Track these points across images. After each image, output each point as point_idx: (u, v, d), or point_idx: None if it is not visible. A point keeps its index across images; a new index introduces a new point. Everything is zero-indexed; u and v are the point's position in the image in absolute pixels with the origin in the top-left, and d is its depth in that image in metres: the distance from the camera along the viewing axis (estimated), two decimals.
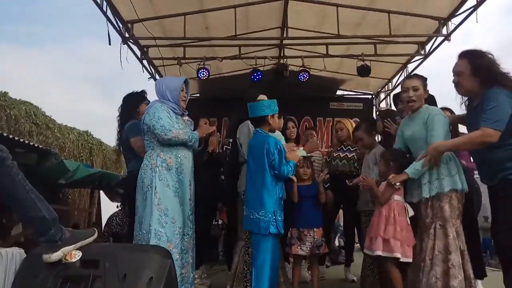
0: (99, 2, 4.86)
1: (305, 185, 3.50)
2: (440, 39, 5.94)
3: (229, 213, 4.44)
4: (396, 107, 3.80)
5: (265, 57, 6.39)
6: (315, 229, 3.39)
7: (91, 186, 8.33)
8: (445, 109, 3.38)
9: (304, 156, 3.34)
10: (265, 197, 2.78)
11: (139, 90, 3.83)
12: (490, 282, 3.24)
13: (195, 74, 6.26)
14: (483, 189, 2.92)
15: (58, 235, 1.85)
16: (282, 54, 6.73)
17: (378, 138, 4.18)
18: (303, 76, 6.50)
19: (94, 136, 10.39)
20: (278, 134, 3.23)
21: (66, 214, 8.64)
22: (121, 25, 5.48)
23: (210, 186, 4.02)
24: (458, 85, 2.67)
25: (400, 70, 7.34)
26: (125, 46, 5.62)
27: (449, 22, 5.69)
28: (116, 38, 5.51)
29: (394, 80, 7.71)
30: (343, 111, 7.65)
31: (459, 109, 2.90)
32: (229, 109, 5.56)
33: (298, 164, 3.19)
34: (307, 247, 3.37)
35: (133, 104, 3.71)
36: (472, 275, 2.59)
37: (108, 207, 8.82)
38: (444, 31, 5.78)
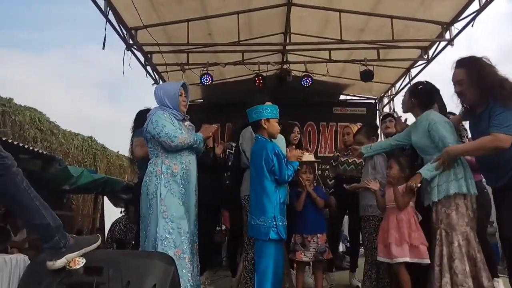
0: (103, 8, 4.90)
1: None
2: (443, 43, 5.94)
3: (231, 218, 4.44)
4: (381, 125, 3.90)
5: (268, 63, 6.43)
6: (318, 235, 3.38)
7: (95, 192, 8.33)
8: (450, 113, 3.39)
9: (309, 161, 3.33)
10: (265, 203, 2.78)
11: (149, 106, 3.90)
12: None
13: (198, 80, 6.30)
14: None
15: (62, 242, 1.86)
16: (285, 60, 6.76)
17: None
18: (306, 81, 6.51)
19: (98, 141, 10.42)
20: (280, 138, 3.22)
21: (70, 220, 8.64)
22: (125, 32, 5.52)
23: (211, 190, 4.02)
24: (462, 94, 2.65)
25: (403, 74, 7.34)
26: (129, 52, 5.66)
27: (452, 27, 5.71)
28: (118, 44, 5.56)
29: (397, 85, 7.71)
30: (346, 116, 7.64)
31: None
32: (232, 115, 5.57)
33: (300, 169, 3.18)
34: (311, 253, 3.35)
35: (143, 119, 3.77)
36: (486, 283, 2.52)
37: (112, 213, 8.84)
38: (447, 35, 5.79)
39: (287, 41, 6.15)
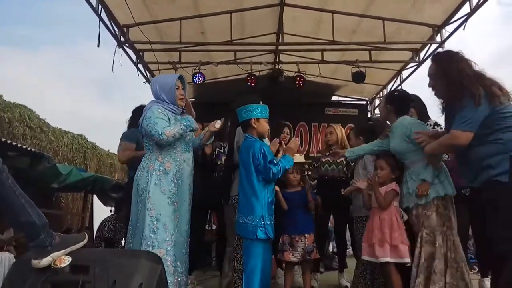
0: (94, 6, 4.86)
1: (295, 191, 3.50)
2: (434, 46, 5.98)
3: (219, 218, 4.42)
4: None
5: (260, 63, 6.43)
6: (306, 235, 3.39)
7: (84, 191, 8.27)
8: (436, 124, 3.47)
9: (300, 162, 3.32)
10: (253, 202, 2.77)
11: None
12: None
13: (190, 78, 6.26)
14: None
15: (48, 241, 1.83)
16: (277, 60, 6.76)
17: None
18: (299, 82, 6.52)
19: (88, 139, 10.35)
20: (265, 142, 3.20)
21: (59, 218, 8.57)
22: (116, 29, 5.47)
23: (201, 189, 4.00)
24: (433, 88, 2.66)
25: (394, 76, 7.39)
26: (121, 50, 5.61)
27: (443, 30, 5.76)
28: (111, 41, 5.52)
29: (389, 87, 7.75)
30: (338, 117, 7.67)
31: None
32: (224, 114, 5.55)
33: (287, 170, 3.17)
34: (299, 253, 3.36)
35: (139, 115, 3.73)
36: (449, 279, 2.58)
37: (101, 212, 8.77)
38: (438, 38, 5.84)
39: (280, 41, 6.16)
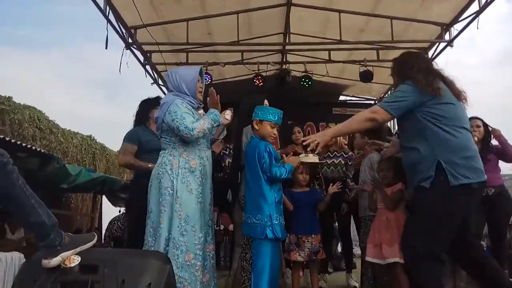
0: (102, 7, 4.90)
1: (303, 191, 3.50)
2: (442, 45, 5.95)
3: (230, 218, 4.43)
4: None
5: (267, 63, 6.42)
6: (313, 235, 3.39)
7: (94, 191, 8.32)
8: (474, 118, 3.56)
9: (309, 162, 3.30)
10: (260, 202, 2.75)
11: (154, 96, 3.83)
12: None
13: None
14: None
15: (58, 240, 1.85)
16: (284, 60, 6.75)
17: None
18: (306, 82, 6.51)
19: (97, 140, 10.42)
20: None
21: (69, 219, 8.63)
22: (124, 31, 5.51)
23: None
24: (394, 87, 2.76)
25: None
26: (128, 51, 5.65)
27: (452, 28, 5.70)
28: (120, 43, 5.55)
29: None
30: (346, 117, 7.47)
31: None
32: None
33: (297, 170, 3.16)
34: (305, 253, 3.37)
35: (146, 108, 3.70)
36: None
37: (110, 213, 8.82)
38: (446, 37, 5.80)
39: (287, 41, 6.15)
